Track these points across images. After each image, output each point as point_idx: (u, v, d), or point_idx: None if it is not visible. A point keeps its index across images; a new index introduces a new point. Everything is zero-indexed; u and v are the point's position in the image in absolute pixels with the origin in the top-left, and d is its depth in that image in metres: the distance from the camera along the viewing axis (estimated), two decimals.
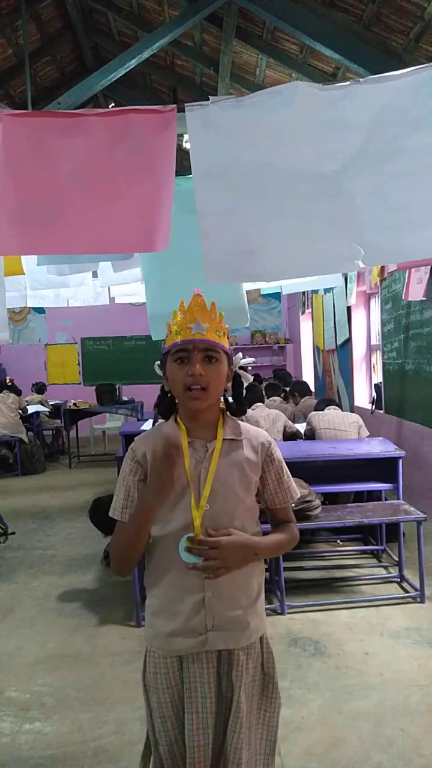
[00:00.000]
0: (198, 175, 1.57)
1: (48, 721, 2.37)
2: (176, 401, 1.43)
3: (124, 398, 8.23)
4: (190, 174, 1.92)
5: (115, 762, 2.11)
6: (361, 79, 1.49)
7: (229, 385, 1.43)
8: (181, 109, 1.55)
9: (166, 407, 1.45)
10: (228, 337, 1.42)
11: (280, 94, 1.50)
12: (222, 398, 1.43)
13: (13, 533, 4.85)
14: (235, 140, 1.54)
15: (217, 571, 1.31)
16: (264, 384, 6.04)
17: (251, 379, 1.51)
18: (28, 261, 3.39)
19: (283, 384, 6.48)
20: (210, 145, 1.55)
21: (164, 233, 1.60)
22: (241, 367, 1.46)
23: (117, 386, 8.15)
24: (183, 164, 2.95)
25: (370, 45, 4.21)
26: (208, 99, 1.53)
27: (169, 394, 1.42)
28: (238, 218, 1.58)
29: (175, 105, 1.57)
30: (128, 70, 5.25)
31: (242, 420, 1.49)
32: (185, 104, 1.52)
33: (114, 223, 1.60)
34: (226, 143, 1.54)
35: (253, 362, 1.36)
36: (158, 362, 1.44)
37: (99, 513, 4.07)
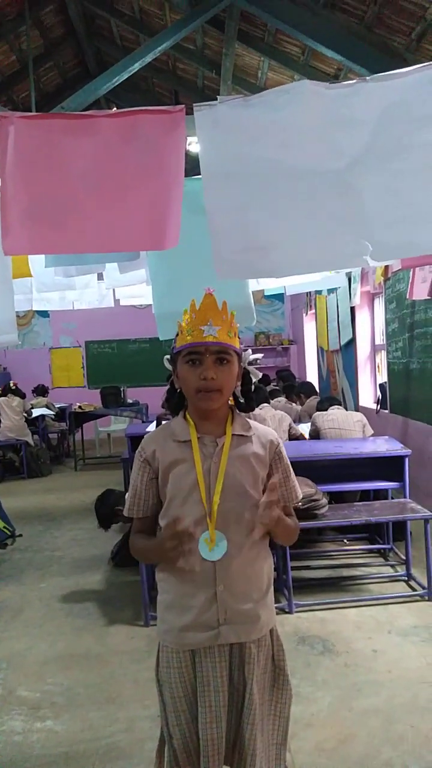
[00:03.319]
0: (207, 174, 1.59)
1: (59, 720, 2.38)
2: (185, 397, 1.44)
3: (129, 400, 8.24)
4: (194, 175, 1.94)
5: (126, 759, 2.12)
6: (367, 77, 1.51)
7: (239, 382, 1.44)
8: (189, 110, 1.57)
9: (175, 403, 1.47)
10: (239, 336, 1.43)
11: (288, 93, 1.52)
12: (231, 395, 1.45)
13: (20, 535, 4.87)
14: (243, 139, 1.55)
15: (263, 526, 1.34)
16: (272, 385, 6.17)
17: (260, 375, 1.51)
18: (35, 263, 3.41)
19: (287, 383, 6.55)
20: (218, 144, 1.56)
21: (174, 231, 1.61)
22: (249, 363, 1.46)
23: (122, 389, 8.17)
24: (186, 166, 2.97)
25: (372, 46, 4.23)
26: (216, 99, 1.55)
27: (178, 390, 1.44)
28: (247, 216, 1.59)
29: (183, 105, 1.59)
30: (131, 74, 5.28)
31: (250, 417, 1.50)
32: (194, 104, 1.54)
33: (124, 221, 1.61)
34: (235, 142, 1.55)
35: (261, 357, 1.37)
36: (167, 356, 1.45)
37: (103, 506, 4.09)
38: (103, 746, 2.20)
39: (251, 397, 1.49)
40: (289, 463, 1.48)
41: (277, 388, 6.47)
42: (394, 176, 1.54)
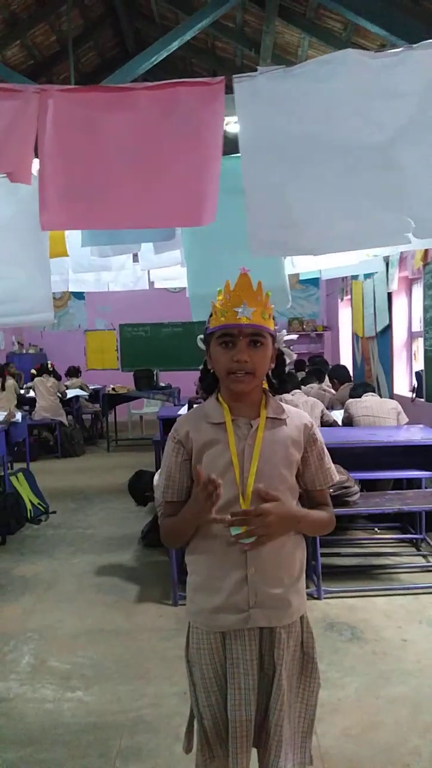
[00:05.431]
0: (245, 148, 1.55)
1: (88, 691, 2.44)
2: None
3: (161, 384, 8.29)
4: (231, 154, 1.90)
5: (153, 732, 2.16)
6: (414, 45, 1.44)
7: (272, 364, 1.42)
8: (228, 88, 1.53)
9: (208, 383, 1.45)
10: (273, 318, 1.40)
11: (330, 64, 1.46)
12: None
13: (54, 512, 4.98)
14: (283, 111, 1.51)
15: (261, 538, 1.28)
16: (305, 371, 6.07)
17: (295, 356, 1.49)
18: (72, 243, 3.43)
19: (316, 368, 6.45)
20: (258, 116, 1.52)
21: (211, 207, 1.58)
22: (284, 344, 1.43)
23: (154, 372, 8.23)
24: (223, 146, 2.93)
25: (417, 19, 4.07)
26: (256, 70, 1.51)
27: (211, 371, 1.42)
28: (285, 191, 1.55)
29: (223, 77, 1.55)
30: (169, 53, 5.21)
31: (282, 401, 1.48)
32: (233, 75, 1.50)
33: (162, 196, 1.59)
34: (274, 115, 1.51)
35: (297, 337, 1.35)
36: (201, 336, 1.43)
37: (137, 485, 4.32)
38: (131, 719, 2.24)
39: (285, 379, 1.46)
40: (324, 445, 1.45)
41: (313, 371, 6.36)
42: None
